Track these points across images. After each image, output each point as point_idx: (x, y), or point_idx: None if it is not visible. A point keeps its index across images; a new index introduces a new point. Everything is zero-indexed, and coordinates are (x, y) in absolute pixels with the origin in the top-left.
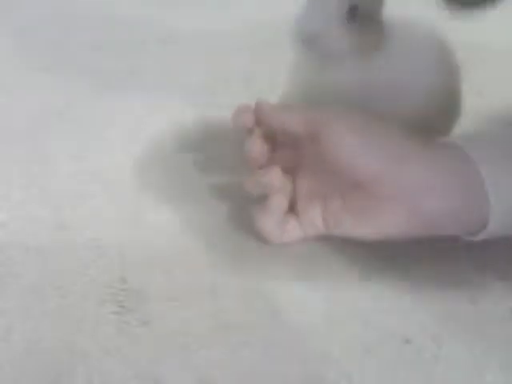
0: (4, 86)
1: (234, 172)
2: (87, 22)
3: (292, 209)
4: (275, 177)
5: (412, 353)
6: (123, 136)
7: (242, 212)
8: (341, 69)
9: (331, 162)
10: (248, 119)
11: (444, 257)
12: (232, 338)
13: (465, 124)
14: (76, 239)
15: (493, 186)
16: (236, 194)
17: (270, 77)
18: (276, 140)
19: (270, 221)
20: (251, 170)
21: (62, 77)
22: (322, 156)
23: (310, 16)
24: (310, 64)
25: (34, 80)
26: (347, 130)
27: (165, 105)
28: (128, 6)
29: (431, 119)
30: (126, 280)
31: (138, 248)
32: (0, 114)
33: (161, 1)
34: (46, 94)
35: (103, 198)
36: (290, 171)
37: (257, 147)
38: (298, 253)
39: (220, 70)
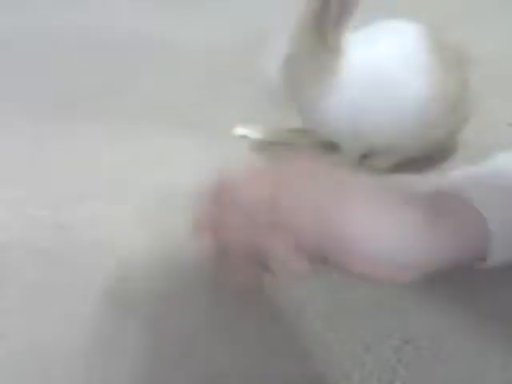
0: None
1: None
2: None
3: None
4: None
5: (412, 353)
6: (124, 135)
7: None
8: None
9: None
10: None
11: None
12: (232, 338)
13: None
14: (76, 239)
15: (494, 224)
16: None
17: None
18: None
19: None
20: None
21: (62, 74)
22: None
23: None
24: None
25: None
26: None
27: (165, 101)
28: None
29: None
30: (126, 280)
31: (138, 248)
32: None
33: (164, 4)
34: (46, 93)
35: (103, 198)
36: None
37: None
38: None
39: (219, 70)
